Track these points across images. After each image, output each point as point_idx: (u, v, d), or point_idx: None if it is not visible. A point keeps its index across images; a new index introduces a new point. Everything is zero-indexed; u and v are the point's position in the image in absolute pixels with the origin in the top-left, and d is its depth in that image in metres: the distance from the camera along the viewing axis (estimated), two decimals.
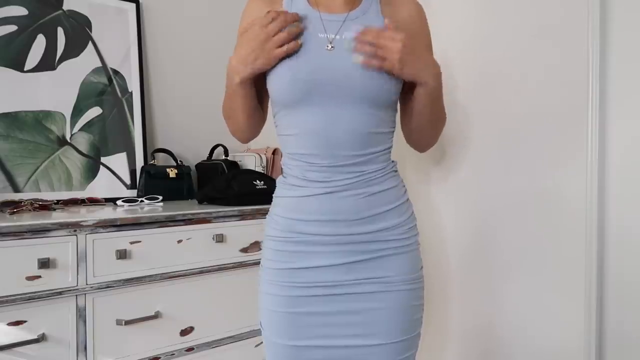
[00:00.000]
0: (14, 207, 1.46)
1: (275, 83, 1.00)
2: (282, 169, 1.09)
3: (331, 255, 1.00)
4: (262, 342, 1.65)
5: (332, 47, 0.98)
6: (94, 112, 1.83)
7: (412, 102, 1.04)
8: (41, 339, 1.26)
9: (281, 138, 1.06)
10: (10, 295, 1.23)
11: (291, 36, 0.96)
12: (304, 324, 1.01)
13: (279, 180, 1.09)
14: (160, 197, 1.78)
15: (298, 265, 1.01)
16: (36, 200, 1.54)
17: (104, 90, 1.85)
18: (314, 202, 0.99)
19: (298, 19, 0.98)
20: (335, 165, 0.98)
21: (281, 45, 0.95)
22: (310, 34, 0.99)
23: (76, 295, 1.32)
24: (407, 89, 1.05)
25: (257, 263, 1.61)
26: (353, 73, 0.96)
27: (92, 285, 1.34)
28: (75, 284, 1.32)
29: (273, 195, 1.10)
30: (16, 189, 1.64)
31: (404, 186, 1.09)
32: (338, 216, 0.98)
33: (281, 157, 1.09)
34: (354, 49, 0.95)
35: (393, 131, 1.06)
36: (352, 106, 0.97)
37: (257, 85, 1.05)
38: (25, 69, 1.70)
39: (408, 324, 1.03)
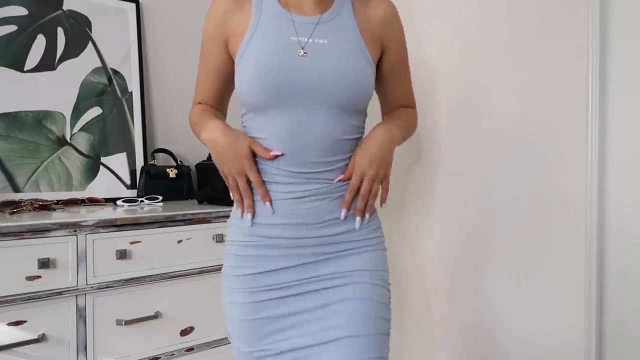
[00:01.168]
0: (14, 207, 1.46)
1: (245, 86, 0.97)
2: None
3: (295, 257, 0.99)
4: None
5: (304, 52, 0.95)
6: (94, 112, 1.83)
7: None
8: (41, 339, 1.26)
9: None
10: (10, 295, 1.23)
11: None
12: (271, 329, 0.99)
13: None
14: (160, 197, 1.78)
15: (261, 270, 0.99)
16: (36, 200, 1.54)
17: (104, 90, 1.85)
18: (277, 207, 0.98)
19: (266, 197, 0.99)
20: (302, 172, 0.97)
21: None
22: (281, 36, 0.96)
23: (76, 295, 1.32)
24: (382, 82, 1.10)
25: None
26: (325, 78, 0.94)
27: (92, 285, 1.34)
28: (75, 284, 1.32)
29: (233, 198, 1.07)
30: (16, 189, 1.64)
31: None
32: (303, 220, 0.98)
33: None
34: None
35: (361, 137, 1.05)
36: (323, 112, 0.96)
37: (222, 88, 1.09)
38: (25, 69, 1.70)
39: (374, 319, 0.99)
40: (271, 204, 0.98)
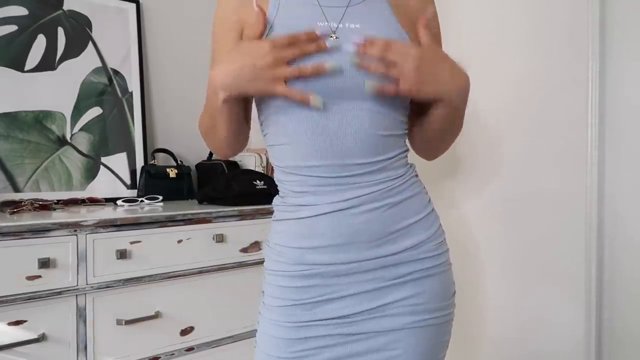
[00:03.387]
0: (14, 207, 1.46)
1: None
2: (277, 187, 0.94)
3: (349, 286, 0.84)
4: None
5: (336, 37, 0.83)
6: (94, 112, 1.83)
7: (427, 117, 0.88)
8: (41, 338, 1.26)
9: (273, 149, 0.89)
10: (11, 295, 1.23)
11: (304, 74, 0.78)
12: None
13: (276, 202, 0.93)
14: (160, 197, 1.78)
15: (310, 301, 0.84)
16: (36, 200, 1.54)
17: (104, 90, 1.85)
18: (323, 224, 0.83)
19: (323, 47, 0.79)
20: (345, 176, 0.83)
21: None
22: (307, 22, 0.84)
23: (76, 295, 1.32)
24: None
25: (257, 263, 1.62)
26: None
27: (92, 285, 1.34)
28: (76, 284, 1.32)
29: (272, 220, 0.94)
30: (16, 189, 1.64)
31: (427, 193, 0.93)
32: (355, 238, 0.82)
33: (272, 171, 0.95)
34: (357, 67, 0.79)
35: (407, 133, 0.92)
36: (361, 105, 0.82)
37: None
38: (25, 69, 1.70)
39: None
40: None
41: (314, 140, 0.82)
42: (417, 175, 0.92)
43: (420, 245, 0.86)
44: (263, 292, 0.92)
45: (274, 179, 0.93)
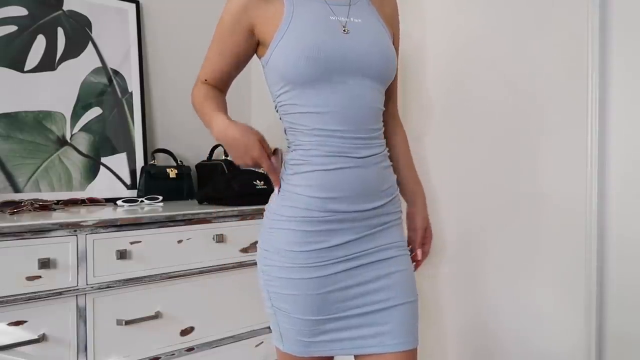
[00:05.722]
0: (15, 207, 1.46)
1: (291, 63, 0.99)
2: (288, 146, 1.07)
3: (357, 229, 1.04)
4: (262, 342, 1.66)
5: (347, 30, 1.03)
6: (94, 112, 1.83)
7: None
8: (41, 339, 1.26)
9: (296, 115, 1.04)
10: (11, 295, 1.23)
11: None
12: (339, 297, 1.04)
13: (291, 159, 1.06)
14: (161, 197, 1.78)
15: (332, 244, 1.02)
16: (36, 200, 1.54)
17: (104, 90, 1.85)
18: (344, 177, 1.01)
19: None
20: (361, 138, 1.02)
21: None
22: (322, 16, 1.03)
23: (76, 295, 1.32)
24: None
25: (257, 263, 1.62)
26: (369, 53, 1.02)
27: (92, 285, 1.35)
28: (76, 284, 1.32)
29: (284, 175, 1.06)
30: (16, 189, 1.64)
31: None
32: (365, 190, 1.03)
33: (285, 131, 1.07)
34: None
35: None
36: (368, 83, 1.03)
37: (234, 71, 1.13)
38: (25, 69, 1.70)
39: (414, 286, 1.11)
40: (279, 190, 1.05)
41: (340, 110, 1.01)
42: None
43: (393, 201, 1.10)
44: (266, 268, 1.07)
45: (289, 140, 1.08)
